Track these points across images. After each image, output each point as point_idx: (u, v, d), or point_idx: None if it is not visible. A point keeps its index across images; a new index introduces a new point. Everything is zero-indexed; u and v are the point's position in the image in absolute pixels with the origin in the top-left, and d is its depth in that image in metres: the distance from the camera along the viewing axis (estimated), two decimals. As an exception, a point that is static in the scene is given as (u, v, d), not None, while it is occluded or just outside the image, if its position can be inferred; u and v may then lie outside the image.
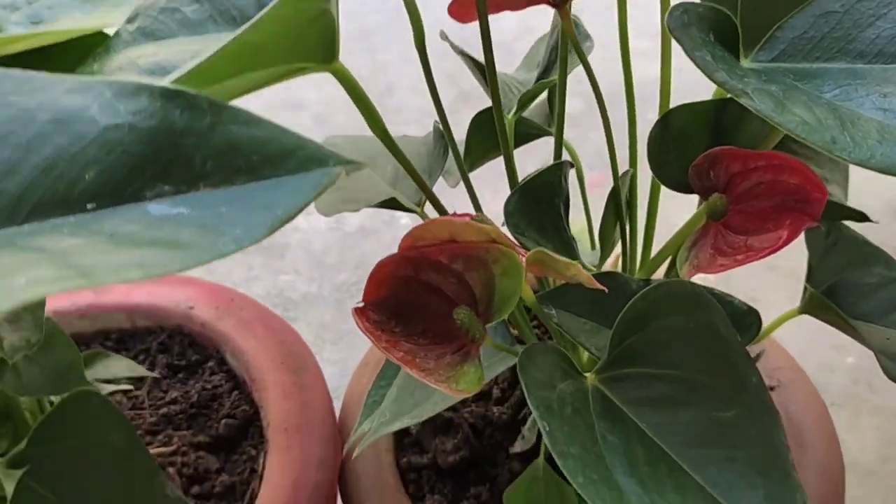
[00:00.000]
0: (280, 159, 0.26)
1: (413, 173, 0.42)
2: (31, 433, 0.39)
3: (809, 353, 0.89)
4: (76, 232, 0.23)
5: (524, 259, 0.36)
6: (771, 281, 0.97)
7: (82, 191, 0.25)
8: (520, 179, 0.46)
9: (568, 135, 0.57)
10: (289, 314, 0.99)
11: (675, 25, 0.33)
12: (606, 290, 0.36)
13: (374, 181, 0.57)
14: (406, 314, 0.37)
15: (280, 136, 0.26)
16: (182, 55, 0.36)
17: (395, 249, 0.36)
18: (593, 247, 0.62)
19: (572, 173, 0.51)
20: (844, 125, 0.31)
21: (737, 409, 0.37)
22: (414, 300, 0.37)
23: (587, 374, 0.38)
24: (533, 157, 0.43)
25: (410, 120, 1.23)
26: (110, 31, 0.43)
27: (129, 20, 0.39)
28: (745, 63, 0.38)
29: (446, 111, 0.46)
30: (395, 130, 0.41)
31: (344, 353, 0.93)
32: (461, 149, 0.55)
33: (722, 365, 0.38)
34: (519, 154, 0.51)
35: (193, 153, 0.25)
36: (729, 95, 0.34)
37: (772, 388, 0.60)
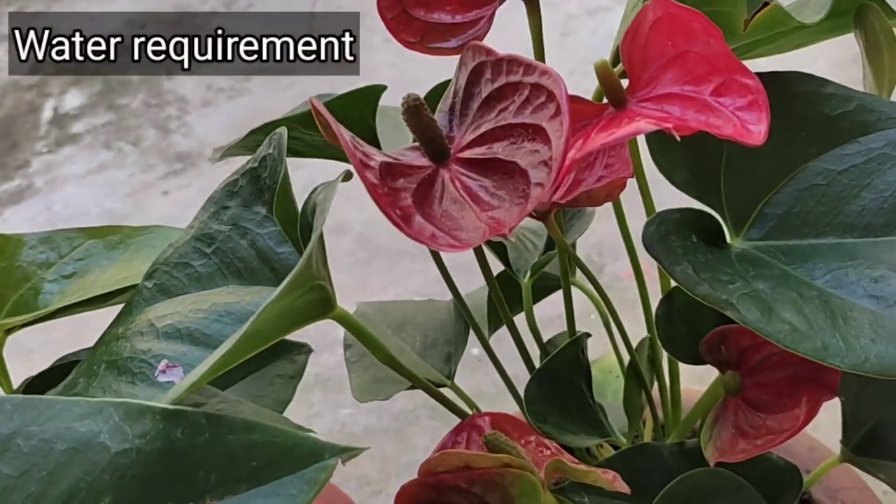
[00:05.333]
0: (278, 461, 0.27)
1: (429, 389, 0.44)
2: None
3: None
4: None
5: (543, 472, 0.36)
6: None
7: (99, 526, 0.26)
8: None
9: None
10: (352, 451, 1.00)
11: (653, 241, 0.34)
12: (629, 492, 0.36)
13: (405, 352, 0.58)
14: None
15: (275, 439, 0.27)
16: (194, 315, 0.38)
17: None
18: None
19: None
20: (836, 324, 0.31)
21: None
22: (441, 520, 0.37)
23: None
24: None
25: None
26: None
27: (148, 276, 0.41)
28: (736, 243, 0.38)
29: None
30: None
31: (409, 488, 0.94)
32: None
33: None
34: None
35: (196, 469, 0.27)
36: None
37: (836, 510, 0.58)
